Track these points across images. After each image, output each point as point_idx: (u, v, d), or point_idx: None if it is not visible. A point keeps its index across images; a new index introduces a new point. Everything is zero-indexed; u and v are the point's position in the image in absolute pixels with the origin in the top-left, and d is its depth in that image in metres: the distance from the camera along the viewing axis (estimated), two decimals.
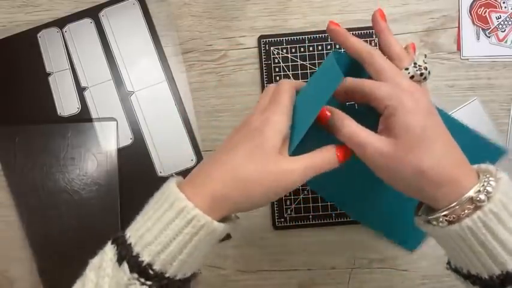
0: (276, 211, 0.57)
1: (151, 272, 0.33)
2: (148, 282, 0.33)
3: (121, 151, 0.58)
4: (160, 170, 0.58)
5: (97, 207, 0.57)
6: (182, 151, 0.58)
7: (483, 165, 0.36)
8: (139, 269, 0.33)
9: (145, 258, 0.33)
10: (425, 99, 0.36)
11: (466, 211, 0.33)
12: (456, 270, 0.38)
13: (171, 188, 0.35)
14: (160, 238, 0.33)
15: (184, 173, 0.57)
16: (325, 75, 0.43)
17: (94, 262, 0.36)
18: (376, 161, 0.36)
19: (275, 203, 0.57)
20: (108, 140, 0.58)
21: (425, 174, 0.34)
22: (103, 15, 0.60)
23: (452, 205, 0.34)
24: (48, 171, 0.58)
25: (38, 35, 0.60)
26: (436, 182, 0.34)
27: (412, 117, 0.35)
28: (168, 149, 0.58)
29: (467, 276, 0.36)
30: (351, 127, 0.37)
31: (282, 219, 0.57)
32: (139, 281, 0.33)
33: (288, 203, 0.57)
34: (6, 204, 0.58)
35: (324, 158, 0.38)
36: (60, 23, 0.60)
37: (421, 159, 0.34)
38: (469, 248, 0.34)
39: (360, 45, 0.40)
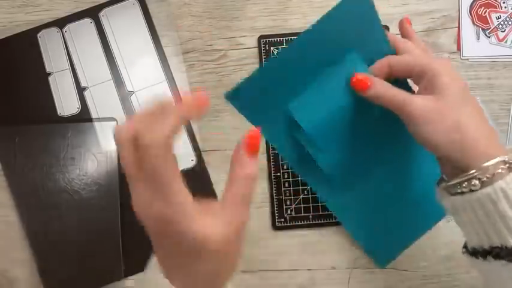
0: (276, 211, 0.57)
1: None
2: None
3: None
4: None
5: (97, 207, 0.57)
6: (182, 151, 0.58)
7: None
8: None
9: None
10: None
11: (500, 170, 0.35)
12: (474, 253, 0.38)
13: None
14: None
15: (184, 173, 0.57)
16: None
17: None
18: (419, 114, 0.38)
19: (275, 203, 0.57)
20: (108, 140, 0.58)
21: (464, 128, 0.37)
22: (103, 15, 0.60)
23: (487, 164, 0.35)
24: (48, 171, 0.58)
25: (38, 35, 0.60)
26: (473, 137, 0.37)
27: (453, 79, 0.39)
28: None
29: (489, 252, 0.36)
30: (393, 89, 0.41)
31: (282, 219, 0.57)
32: None
33: (288, 203, 0.57)
34: (6, 204, 0.58)
35: (246, 182, 0.31)
36: (60, 23, 0.60)
37: (461, 114, 0.38)
38: (498, 214, 0.35)
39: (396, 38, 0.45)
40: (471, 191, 0.36)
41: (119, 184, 0.57)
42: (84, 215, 0.57)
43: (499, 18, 0.58)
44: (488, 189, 0.35)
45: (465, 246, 0.40)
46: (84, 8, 0.60)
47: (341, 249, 0.56)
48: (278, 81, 0.43)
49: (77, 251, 0.57)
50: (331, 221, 0.57)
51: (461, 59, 0.58)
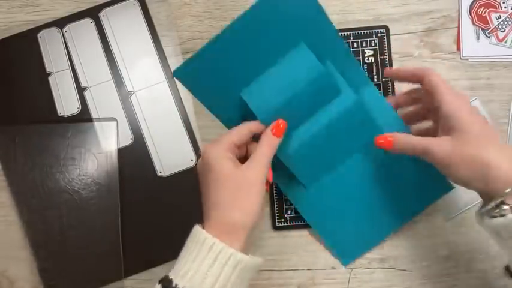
0: (276, 211, 0.57)
1: None
2: None
3: (121, 151, 0.58)
4: (160, 170, 0.58)
5: (97, 207, 0.57)
6: (182, 151, 0.58)
7: None
8: None
9: (184, 284, 0.39)
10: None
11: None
12: None
13: (200, 232, 0.41)
14: (192, 267, 0.40)
15: (184, 173, 0.58)
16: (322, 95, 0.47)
17: None
18: (441, 158, 0.41)
19: (275, 203, 0.57)
20: (108, 140, 0.58)
21: (484, 162, 0.39)
22: (103, 15, 0.60)
23: (509, 190, 0.37)
24: (48, 171, 0.58)
25: (38, 35, 0.60)
26: (494, 167, 0.38)
27: (472, 118, 0.41)
28: (168, 149, 0.58)
29: None
30: (413, 139, 0.44)
31: (282, 219, 0.57)
32: None
33: (288, 203, 0.57)
34: (6, 204, 0.58)
35: (268, 143, 0.45)
36: (60, 23, 0.60)
37: (478, 150, 0.39)
38: None
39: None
40: (501, 215, 0.38)
41: (119, 184, 0.57)
42: (84, 215, 0.57)
43: (498, 18, 0.58)
44: None
45: (507, 268, 0.42)
46: (84, 8, 0.60)
47: None
48: (227, 61, 0.45)
49: (77, 251, 0.57)
50: None
51: (461, 59, 0.58)
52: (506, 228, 0.38)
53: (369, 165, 0.53)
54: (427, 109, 0.50)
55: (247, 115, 0.47)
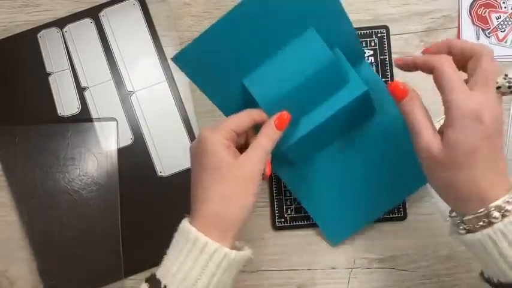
0: (276, 211, 0.57)
1: None
2: None
3: (121, 151, 0.58)
4: (160, 170, 0.58)
5: (97, 207, 0.57)
6: (182, 151, 0.58)
7: None
8: None
9: (172, 286, 0.38)
10: (489, 119, 0.35)
11: (481, 223, 0.35)
12: (488, 280, 0.39)
13: (190, 230, 0.39)
14: (183, 267, 0.38)
15: (184, 173, 0.58)
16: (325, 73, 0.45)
17: None
18: (421, 154, 0.38)
19: (275, 203, 0.57)
20: (108, 140, 0.58)
21: (455, 190, 0.37)
22: (103, 15, 0.60)
23: (467, 218, 0.36)
24: (48, 171, 0.58)
25: (38, 35, 0.60)
26: (462, 198, 0.37)
27: (465, 139, 0.35)
28: (168, 149, 0.58)
29: (498, 285, 0.37)
30: (419, 115, 0.38)
31: (282, 219, 0.57)
32: None
33: (288, 203, 0.57)
34: (6, 204, 0.58)
35: (269, 135, 0.42)
36: (60, 23, 0.60)
37: (455, 177, 0.36)
38: (498, 253, 0.35)
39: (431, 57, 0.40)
40: (460, 233, 0.38)
41: (119, 184, 0.57)
42: (84, 215, 0.57)
43: (498, 18, 0.58)
44: (468, 236, 0.37)
45: (482, 273, 0.40)
46: (84, 8, 0.60)
47: (341, 249, 0.56)
48: (229, 46, 0.42)
49: (77, 251, 0.57)
50: None
51: None
52: (481, 244, 0.36)
53: (359, 147, 0.53)
54: None
55: (249, 104, 0.45)
